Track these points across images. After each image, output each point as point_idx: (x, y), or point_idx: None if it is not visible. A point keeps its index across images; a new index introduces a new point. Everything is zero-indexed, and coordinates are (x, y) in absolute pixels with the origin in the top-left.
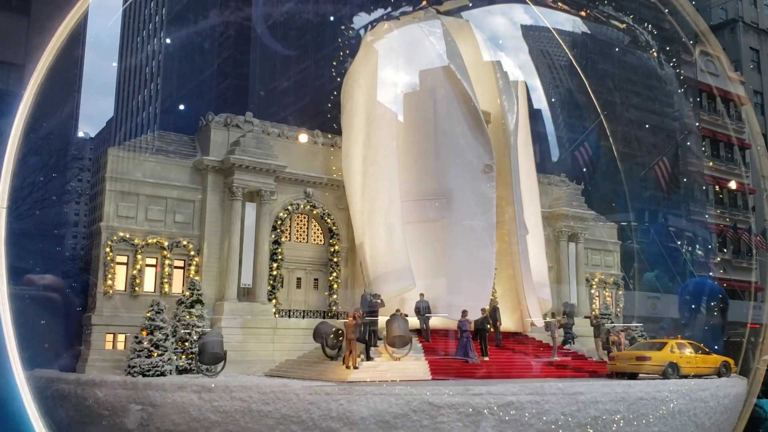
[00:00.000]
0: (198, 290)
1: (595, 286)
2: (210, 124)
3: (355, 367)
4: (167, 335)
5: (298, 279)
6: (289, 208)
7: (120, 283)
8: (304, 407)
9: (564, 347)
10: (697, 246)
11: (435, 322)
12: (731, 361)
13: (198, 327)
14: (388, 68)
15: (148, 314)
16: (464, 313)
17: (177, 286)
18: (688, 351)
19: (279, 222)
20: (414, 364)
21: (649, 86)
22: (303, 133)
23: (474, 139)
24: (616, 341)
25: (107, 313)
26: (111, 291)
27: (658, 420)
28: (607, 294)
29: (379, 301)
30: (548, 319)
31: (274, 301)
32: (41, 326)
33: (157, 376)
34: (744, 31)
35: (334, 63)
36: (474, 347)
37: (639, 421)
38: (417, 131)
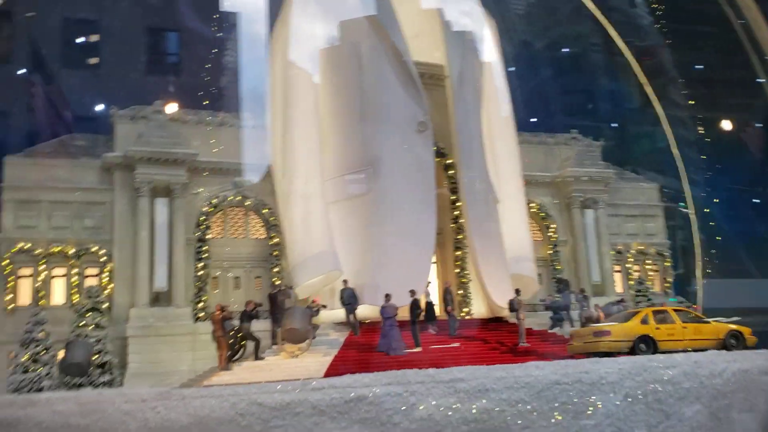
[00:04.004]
0: (95, 297)
1: (632, 259)
2: (114, 119)
3: (224, 369)
4: (46, 348)
5: (237, 278)
6: (214, 201)
7: (26, 297)
8: (120, 419)
9: (551, 331)
10: None
11: (367, 312)
12: (746, 330)
13: (92, 337)
14: (301, 20)
15: (27, 326)
16: (387, 297)
17: None
18: (672, 320)
19: (203, 217)
20: (310, 361)
21: None
22: (221, 116)
23: (406, 95)
24: (592, 317)
25: (11, 330)
26: (13, 305)
27: (597, 409)
28: (649, 267)
29: (288, 291)
30: (510, 298)
31: (201, 304)
32: None
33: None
34: None
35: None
36: (400, 336)
37: (563, 412)
38: (339, 94)
